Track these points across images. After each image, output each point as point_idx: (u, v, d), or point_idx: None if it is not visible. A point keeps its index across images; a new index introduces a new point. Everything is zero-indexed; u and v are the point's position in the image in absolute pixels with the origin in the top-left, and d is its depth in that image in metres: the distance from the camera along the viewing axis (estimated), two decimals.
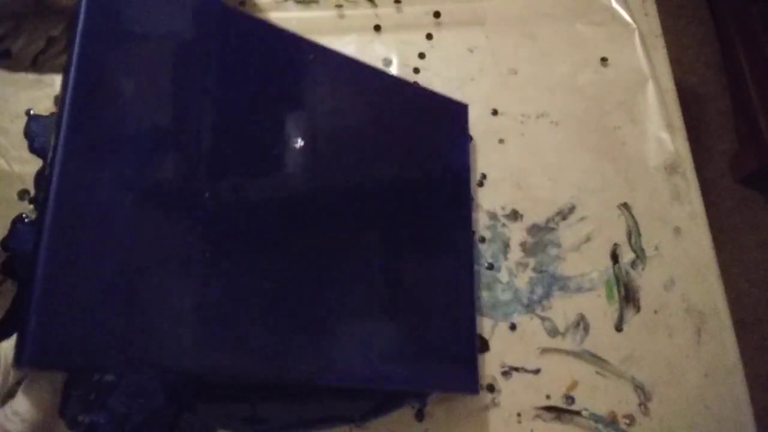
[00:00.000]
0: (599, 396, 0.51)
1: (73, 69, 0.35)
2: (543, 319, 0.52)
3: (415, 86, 0.56)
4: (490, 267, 0.53)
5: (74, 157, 0.34)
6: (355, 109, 0.48)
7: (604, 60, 0.62)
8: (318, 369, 0.41)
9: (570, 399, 0.50)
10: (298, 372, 0.40)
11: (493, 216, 0.55)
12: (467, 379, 0.48)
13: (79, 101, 0.35)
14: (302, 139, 0.44)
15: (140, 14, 0.38)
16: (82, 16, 0.35)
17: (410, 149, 0.50)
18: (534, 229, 0.55)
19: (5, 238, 0.48)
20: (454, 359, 0.47)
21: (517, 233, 0.55)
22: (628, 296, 0.54)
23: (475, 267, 0.53)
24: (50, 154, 0.34)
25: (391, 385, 0.45)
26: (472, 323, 0.49)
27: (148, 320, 0.35)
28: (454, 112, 0.55)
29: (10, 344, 0.33)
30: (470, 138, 0.57)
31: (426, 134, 0.52)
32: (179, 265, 0.37)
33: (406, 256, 0.48)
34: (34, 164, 0.50)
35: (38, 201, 0.42)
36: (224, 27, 0.42)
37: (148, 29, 0.38)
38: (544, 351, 0.52)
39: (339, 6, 0.60)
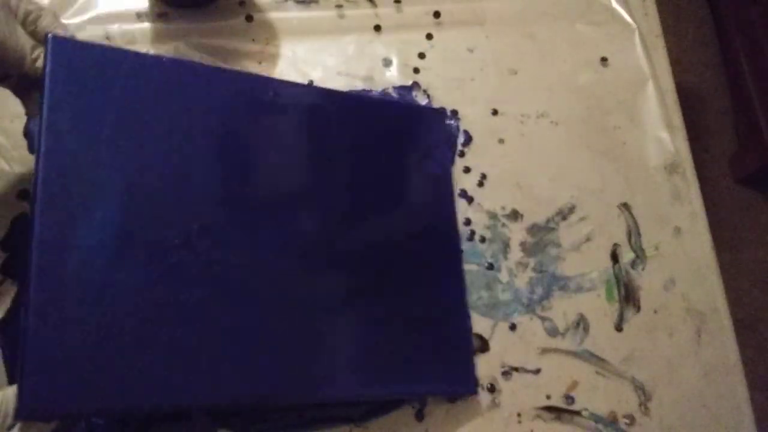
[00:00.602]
0: (599, 396, 0.51)
1: (44, 128, 0.38)
2: (543, 319, 0.52)
3: (386, 101, 0.56)
4: (490, 267, 0.53)
5: (51, 222, 0.37)
6: (325, 136, 0.49)
7: (604, 60, 0.62)
8: (312, 388, 0.43)
9: (570, 399, 0.50)
10: (292, 395, 0.42)
11: (493, 216, 0.55)
12: (464, 381, 0.48)
13: (50, 161, 0.37)
14: (276, 173, 0.46)
15: (103, 75, 0.40)
16: (48, 78, 0.38)
17: (388, 164, 0.51)
18: (534, 229, 0.55)
19: (5, 238, 0.48)
20: (449, 363, 0.48)
21: (517, 233, 0.55)
22: (628, 296, 0.54)
23: (475, 267, 0.53)
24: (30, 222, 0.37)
25: (386, 394, 0.46)
26: (466, 325, 0.50)
27: (134, 367, 0.37)
28: (431, 121, 0.55)
29: (12, 390, 0.35)
30: (470, 138, 0.57)
31: (404, 148, 0.52)
32: (158, 312, 0.39)
33: (394, 267, 0.48)
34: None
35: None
36: (180, 79, 0.43)
37: (112, 89, 0.41)
38: (544, 351, 0.52)
39: (339, 6, 0.60)
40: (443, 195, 0.53)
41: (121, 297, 0.38)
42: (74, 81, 0.39)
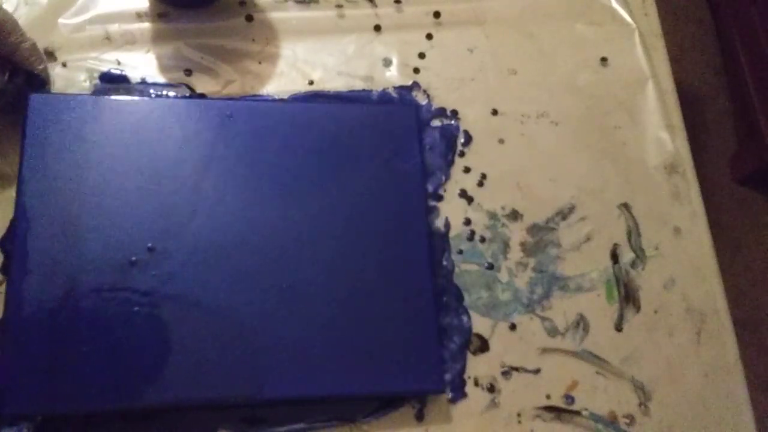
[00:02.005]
0: (599, 396, 0.51)
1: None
2: (543, 319, 0.52)
3: (349, 105, 0.56)
4: (490, 267, 0.53)
5: (27, 244, 0.45)
6: (284, 148, 0.51)
7: (604, 60, 0.62)
8: (274, 387, 0.45)
9: (570, 399, 0.50)
10: (252, 395, 0.44)
11: (493, 216, 0.55)
12: (433, 378, 0.47)
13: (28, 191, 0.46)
14: (232, 188, 0.49)
15: (71, 120, 0.49)
16: (28, 133, 0.48)
17: (354, 167, 0.52)
18: (534, 229, 0.55)
19: (3, 239, 0.48)
20: (416, 361, 0.47)
21: (517, 233, 0.55)
22: (628, 296, 0.54)
23: (475, 267, 0.53)
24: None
25: (352, 393, 0.46)
26: (434, 324, 0.49)
27: (96, 372, 0.43)
28: (400, 117, 0.55)
29: None
30: (470, 138, 0.57)
31: (370, 148, 0.53)
32: (116, 322, 0.44)
33: (361, 265, 0.49)
34: None
35: None
36: (136, 115, 0.50)
37: (79, 131, 0.49)
38: (544, 351, 0.52)
39: (339, 6, 0.60)
40: (413, 191, 0.52)
41: (83, 309, 0.44)
42: (47, 128, 0.48)
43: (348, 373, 0.46)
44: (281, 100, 0.56)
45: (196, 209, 0.48)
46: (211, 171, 0.49)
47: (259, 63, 0.57)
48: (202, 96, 0.55)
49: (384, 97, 0.57)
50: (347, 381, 0.46)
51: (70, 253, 0.45)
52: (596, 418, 0.50)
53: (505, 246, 0.54)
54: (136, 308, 0.45)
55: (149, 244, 0.46)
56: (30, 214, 0.46)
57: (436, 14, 0.61)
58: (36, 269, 0.45)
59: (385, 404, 0.48)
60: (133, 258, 0.46)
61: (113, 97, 0.51)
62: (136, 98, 0.52)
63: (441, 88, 0.58)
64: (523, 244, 0.55)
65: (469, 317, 0.51)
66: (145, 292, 0.45)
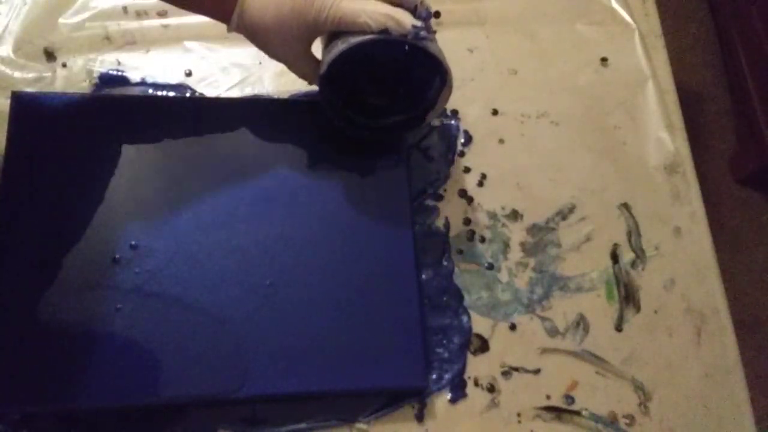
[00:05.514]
0: (599, 396, 0.51)
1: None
2: (543, 319, 0.52)
3: None
4: (490, 267, 0.53)
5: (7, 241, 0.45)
6: (272, 147, 0.51)
7: (604, 60, 0.62)
8: (258, 385, 0.44)
9: (570, 399, 0.50)
10: (228, 389, 0.44)
11: (493, 216, 0.55)
12: (416, 374, 0.47)
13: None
14: (214, 185, 0.49)
15: (52, 117, 0.49)
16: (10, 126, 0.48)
17: (340, 163, 0.52)
18: (534, 229, 0.55)
19: None
20: (400, 357, 0.47)
21: (517, 233, 0.55)
22: (628, 296, 0.54)
23: (475, 267, 0.53)
24: None
25: (337, 389, 0.46)
26: (417, 320, 0.48)
27: (77, 371, 0.43)
28: None
29: None
30: (470, 138, 0.57)
31: (355, 147, 0.52)
32: (98, 319, 0.44)
33: (344, 261, 0.49)
34: None
35: None
36: (115, 112, 0.50)
37: (60, 127, 0.49)
38: (544, 351, 0.52)
39: None
40: (398, 186, 0.52)
41: (65, 307, 0.44)
42: (30, 126, 0.48)
43: (331, 370, 0.46)
44: (280, 99, 0.56)
45: (179, 206, 0.48)
46: (194, 168, 0.49)
47: (260, 63, 0.57)
48: (202, 96, 0.55)
49: None
50: (330, 378, 0.45)
51: (52, 251, 0.45)
52: (596, 418, 0.50)
53: (505, 246, 0.54)
54: (119, 305, 0.44)
55: (132, 242, 0.46)
56: (13, 212, 0.45)
57: (436, 14, 0.61)
58: (19, 267, 0.44)
59: (385, 404, 0.48)
60: (117, 255, 0.46)
61: (95, 95, 0.50)
62: (118, 95, 0.51)
63: None
64: (523, 244, 0.54)
65: (469, 317, 0.51)
66: (127, 290, 0.45)
